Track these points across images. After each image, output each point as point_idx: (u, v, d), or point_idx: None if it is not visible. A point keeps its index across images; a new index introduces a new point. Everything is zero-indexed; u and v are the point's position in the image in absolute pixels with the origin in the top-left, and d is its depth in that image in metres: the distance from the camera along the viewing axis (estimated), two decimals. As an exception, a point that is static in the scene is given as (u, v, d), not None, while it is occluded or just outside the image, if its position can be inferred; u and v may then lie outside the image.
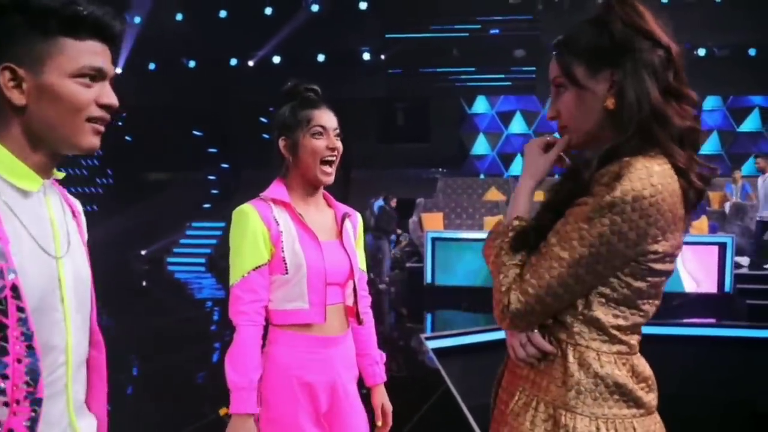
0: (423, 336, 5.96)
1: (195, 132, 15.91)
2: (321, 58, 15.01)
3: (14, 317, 0.96)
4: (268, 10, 14.66)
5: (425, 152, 15.38)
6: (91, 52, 1.04)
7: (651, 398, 1.20)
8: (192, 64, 15.35)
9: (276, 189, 1.78)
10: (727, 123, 14.12)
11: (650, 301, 1.19)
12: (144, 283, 12.09)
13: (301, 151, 1.75)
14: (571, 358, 1.17)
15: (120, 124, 13.78)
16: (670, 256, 1.16)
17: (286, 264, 1.70)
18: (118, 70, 1.00)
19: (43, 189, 1.08)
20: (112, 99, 1.06)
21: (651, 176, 1.08)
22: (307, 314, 1.71)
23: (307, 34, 14.17)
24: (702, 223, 9.47)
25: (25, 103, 1.01)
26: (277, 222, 1.72)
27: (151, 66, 15.21)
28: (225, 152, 16.09)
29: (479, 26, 14.60)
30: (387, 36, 14.76)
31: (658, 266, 1.14)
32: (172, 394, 4.73)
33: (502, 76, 15.09)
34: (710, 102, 13.99)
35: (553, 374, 1.18)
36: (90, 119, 1.04)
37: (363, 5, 14.33)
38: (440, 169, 15.17)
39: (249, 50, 15.06)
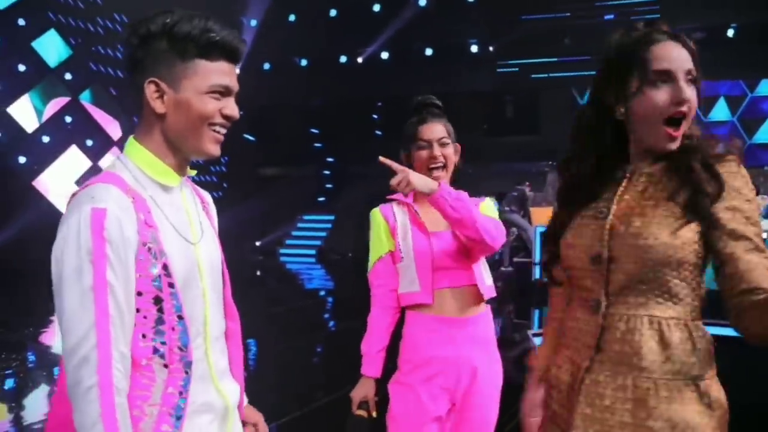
0: (530, 332, 5.84)
1: (310, 129, 16.42)
2: (429, 52, 15.03)
3: (167, 292, 1.16)
4: (377, 7, 14.88)
5: (535, 145, 14.97)
6: (221, 72, 1.19)
7: None
8: (304, 62, 15.87)
9: None
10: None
11: None
12: (258, 273, 12.70)
13: (413, 162, 2.06)
14: None
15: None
16: None
17: (401, 253, 2.01)
18: (237, 71, 1.24)
19: (180, 184, 1.25)
20: (233, 112, 1.22)
21: None
22: (419, 296, 1.98)
23: (414, 28, 14.24)
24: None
25: (165, 112, 1.18)
26: (395, 218, 2.05)
27: (266, 66, 15.88)
28: (331, 147, 16.47)
29: (593, 12, 14.02)
30: (496, 27, 14.50)
31: None
32: (283, 380, 4.95)
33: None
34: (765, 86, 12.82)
35: None
36: (211, 125, 1.20)
37: (470, -3, 14.19)
38: (550, 162, 14.71)
39: (358, 47, 15.35)
